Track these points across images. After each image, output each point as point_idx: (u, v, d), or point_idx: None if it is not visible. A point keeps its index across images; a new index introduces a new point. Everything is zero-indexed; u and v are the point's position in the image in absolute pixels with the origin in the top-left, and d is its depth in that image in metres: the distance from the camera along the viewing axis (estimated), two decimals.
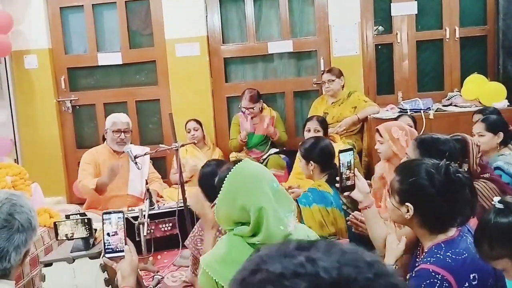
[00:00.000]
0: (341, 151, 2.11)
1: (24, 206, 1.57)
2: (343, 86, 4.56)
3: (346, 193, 2.16)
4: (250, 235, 1.65)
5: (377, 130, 2.97)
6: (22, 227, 1.53)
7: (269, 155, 4.56)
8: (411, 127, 3.80)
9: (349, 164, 2.11)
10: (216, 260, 1.66)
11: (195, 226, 2.68)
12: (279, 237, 1.61)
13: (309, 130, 4.02)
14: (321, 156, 2.99)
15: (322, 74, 4.64)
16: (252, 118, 4.66)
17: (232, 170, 1.71)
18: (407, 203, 1.75)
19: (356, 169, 2.15)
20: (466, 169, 2.62)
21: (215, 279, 1.61)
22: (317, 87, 4.95)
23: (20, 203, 1.57)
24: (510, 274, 1.54)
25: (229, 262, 1.63)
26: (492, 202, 1.56)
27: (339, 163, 2.09)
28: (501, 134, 3.30)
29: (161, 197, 3.97)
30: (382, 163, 3.05)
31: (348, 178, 2.11)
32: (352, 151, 2.15)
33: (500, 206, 1.53)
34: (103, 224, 1.88)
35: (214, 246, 1.79)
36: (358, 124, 4.50)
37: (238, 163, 1.75)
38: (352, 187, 2.13)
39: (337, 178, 2.12)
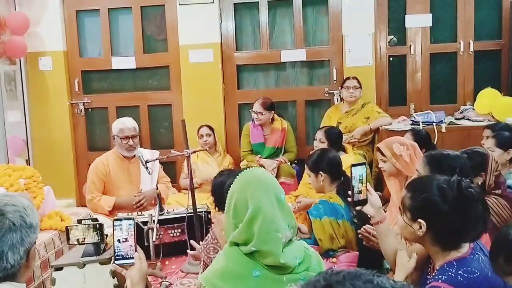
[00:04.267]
0: (353, 165, 2.09)
1: (16, 205, 1.55)
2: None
3: (358, 208, 2.14)
4: (243, 241, 1.63)
5: (378, 149, 2.95)
6: (14, 226, 1.51)
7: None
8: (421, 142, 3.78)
9: (361, 178, 2.09)
10: (215, 275, 1.65)
11: (209, 234, 2.68)
12: (274, 242, 1.59)
13: (316, 139, 4.02)
14: (330, 165, 2.98)
15: (346, 80, 4.61)
16: (260, 126, 4.66)
17: (240, 174, 1.72)
18: (419, 220, 1.74)
19: (368, 183, 2.14)
20: (480, 183, 2.61)
21: None
22: (329, 96, 4.96)
23: (13, 203, 1.55)
24: None
25: (228, 275, 1.61)
26: None
27: (351, 176, 2.07)
28: (511, 151, 3.28)
29: (162, 198, 3.95)
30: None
31: (360, 192, 2.10)
32: (364, 165, 2.13)
33: None
34: (113, 230, 1.88)
35: (212, 261, 1.77)
36: (370, 135, 4.50)
37: (248, 169, 1.77)
38: (364, 202, 2.11)
39: (349, 192, 2.10)
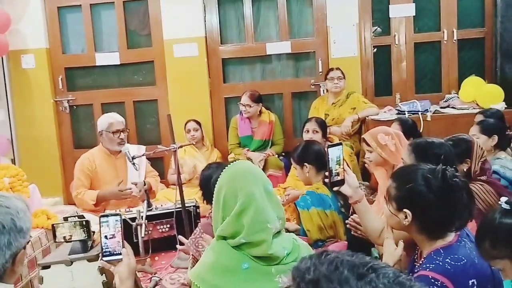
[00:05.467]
0: (330, 146, 2.09)
1: (10, 208, 1.52)
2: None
3: (335, 188, 2.15)
4: (231, 234, 1.62)
5: (364, 140, 2.97)
6: (3, 228, 1.48)
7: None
8: (408, 131, 3.80)
9: (338, 159, 2.09)
10: (204, 270, 1.64)
11: (197, 228, 2.68)
12: (265, 233, 1.59)
13: (308, 131, 4.03)
14: (314, 156, 3.01)
15: (329, 71, 4.61)
16: (248, 119, 4.66)
17: (227, 167, 1.71)
18: (405, 210, 1.75)
19: (345, 163, 2.14)
20: (465, 170, 2.64)
21: None
22: (315, 88, 4.96)
23: (6, 205, 1.52)
24: (507, 275, 1.55)
25: (218, 270, 1.61)
26: (499, 202, 1.57)
27: (328, 158, 2.07)
28: (495, 138, 3.31)
29: (153, 192, 3.93)
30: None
31: (338, 174, 2.10)
32: (341, 146, 2.13)
33: (506, 206, 1.54)
34: (100, 227, 1.87)
35: (201, 256, 1.76)
36: (356, 125, 4.50)
37: (234, 162, 1.76)
38: (341, 182, 2.12)
39: (326, 173, 2.10)
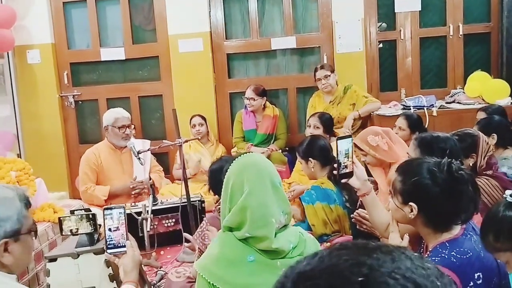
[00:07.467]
0: (339, 138, 2.09)
1: None
2: (336, 82, 4.54)
3: (343, 180, 2.15)
4: (236, 225, 1.63)
5: (355, 145, 2.96)
6: None
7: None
8: (409, 127, 3.74)
9: (347, 152, 2.08)
10: (210, 262, 1.65)
11: (203, 222, 2.69)
12: (267, 228, 1.59)
13: (310, 126, 4.03)
14: (319, 151, 3.00)
15: (315, 72, 4.56)
16: (253, 113, 4.66)
17: (237, 159, 1.72)
18: (410, 203, 1.75)
19: (354, 156, 2.13)
20: (471, 164, 2.63)
21: (211, 282, 1.59)
22: None
23: None
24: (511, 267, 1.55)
25: (223, 262, 1.62)
26: (504, 196, 1.57)
27: (337, 150, 2.07)
28: (495, 136, 3.24)
29: (156, 188, 3.93)
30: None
31: (346, 166, 2.10)
32: (350, 138, 2.12)
33: (511, 200, 1.53)
34: (104, 219, 1.88)
35: (208, 248, 1.77)
36: (358, 121, 4.47)
37: (245, 154, 1.77)
38: (350, 174, 2.12)
39: (335, 165, 2.10)
